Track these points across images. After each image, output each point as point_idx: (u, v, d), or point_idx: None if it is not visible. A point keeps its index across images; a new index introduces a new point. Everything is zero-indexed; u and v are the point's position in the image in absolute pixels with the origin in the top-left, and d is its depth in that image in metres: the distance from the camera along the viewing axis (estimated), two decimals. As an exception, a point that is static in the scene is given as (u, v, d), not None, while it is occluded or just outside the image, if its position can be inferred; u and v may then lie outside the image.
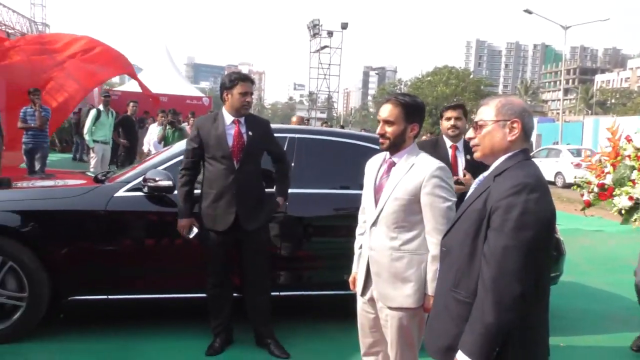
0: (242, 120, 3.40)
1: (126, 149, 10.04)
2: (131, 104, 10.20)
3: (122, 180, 3.66)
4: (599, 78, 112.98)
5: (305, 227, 3.86)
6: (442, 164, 2.34)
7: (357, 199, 3.78)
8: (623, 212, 3.57)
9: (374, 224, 2.40)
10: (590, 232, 8.38)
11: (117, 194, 3.54)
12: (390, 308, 2.35)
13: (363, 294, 2.49)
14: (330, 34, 39.77)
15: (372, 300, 2.46)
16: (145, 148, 10.08)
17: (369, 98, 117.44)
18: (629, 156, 3.58)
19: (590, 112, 58.16)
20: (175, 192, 3.44)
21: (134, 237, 3.59)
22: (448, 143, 3.60)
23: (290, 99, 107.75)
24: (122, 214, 3.54)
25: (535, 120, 2.53)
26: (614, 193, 3.60)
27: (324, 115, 52.46)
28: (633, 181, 3.52)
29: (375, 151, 3.92)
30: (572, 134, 30.73)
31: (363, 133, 5.12)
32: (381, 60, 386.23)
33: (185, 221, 3.35)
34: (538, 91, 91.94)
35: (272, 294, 3.59)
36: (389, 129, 2.36)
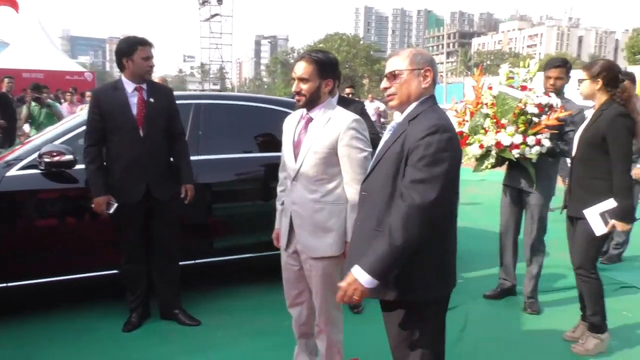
0: (144, 87, 3.27)
1: (3, 130, 9.13)
2: (6, 80, 9.22)
3: (13, 158, 3.37)
4: (475, 41, 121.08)
5: (216, 193, 3.83)
6: (357, 117, 2.43)
7: (265, 162, 3.97)
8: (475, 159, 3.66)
9: (295, 178, 2.47)
10: (475, 181, 9.07)
11: (8, 174, 3.26)
12: (314, 258, 2.45)
13: (287, 247, 2.57)
14: (220, 1, 38.40)
15: (295, 253, 2.55)
16: (26, 128, 9.23)
17: (262, 68, 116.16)
18: (485, 104, 3.60)
19: (469, 73, 62.31)
20: (77, 166, 3.25)
21: (33, 218, 3.33)
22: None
23: (180, 71, 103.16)
24: (17, 194, 3.27)
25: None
26: (468, 141, 3.65)
27: (217, 87, 51.11)
28: (485, 129, 3.57)
29: (284, 114, 4.05)
30: (454, 94, 32.93)
31: (269, 96, 5.14)
32: (273, 29, 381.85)
33: (103, 198, 3.18)
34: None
35: (184, 263, 3.57)
36: (304, 86, 2.40)
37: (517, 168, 3.60)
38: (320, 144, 2.39)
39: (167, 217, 3.35)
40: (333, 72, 2.47)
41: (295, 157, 2.46)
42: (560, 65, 3.74)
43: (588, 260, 3.02)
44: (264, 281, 4.10)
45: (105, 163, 3.23)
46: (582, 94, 3.08)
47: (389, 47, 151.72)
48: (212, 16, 39.03)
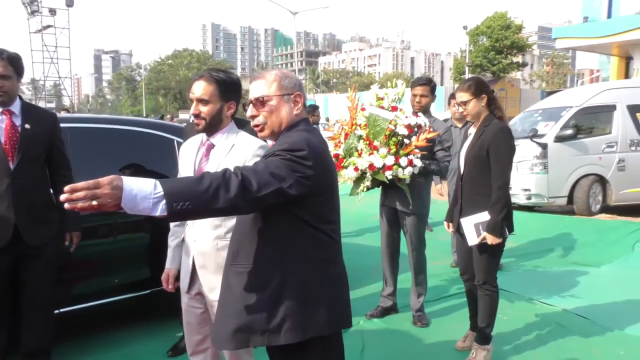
0: (15, 110, 2.78)
1: None
2: None
3: None
4: (321, 60, 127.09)
5: (94, 229, 3.37)
6: (263, 143, 2.27)
7: None
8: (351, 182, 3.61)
9: None
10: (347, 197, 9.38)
11: None
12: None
13: (189, 290, 2.34)
14: (53, 12, 34.94)
15: (199, 295, 2.33)
16: None
17: (104, 84, 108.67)
18: (359, 125, 3.56)
19: (318, 90, 65.12)
20: None
21: None
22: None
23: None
24: None
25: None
26: (343, 164, 3.57)
27: (53, 105, 46.48)
28: (359, 152, 3.52)
29: (163, 138, 3.75)
30: (307, 111, 34.11)
31: (149, 119, 4.77)
32: (114, 43, 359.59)
33: None
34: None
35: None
36: (203, 109, 2.19)
37: (392, 188, 3.66)
38: None
39: (41, 262, 2.84)
40: (236, 92, 2.28)
41: None
42: (425, 83, 3.91)
43: (490, 274, 3.13)
44: (140, 325, 3.76)
45: None
46: (470, 114, 3.12)
47: (239, 64, 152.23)
48: (45, 28, 35.36)
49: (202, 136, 2.32)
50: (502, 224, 2.98)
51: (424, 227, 3.93)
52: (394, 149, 3.48)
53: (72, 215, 2.83)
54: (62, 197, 1.33)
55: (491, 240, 2.99)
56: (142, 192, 1.40)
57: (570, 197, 7.71)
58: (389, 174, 3.45)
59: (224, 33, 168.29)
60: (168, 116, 19.53)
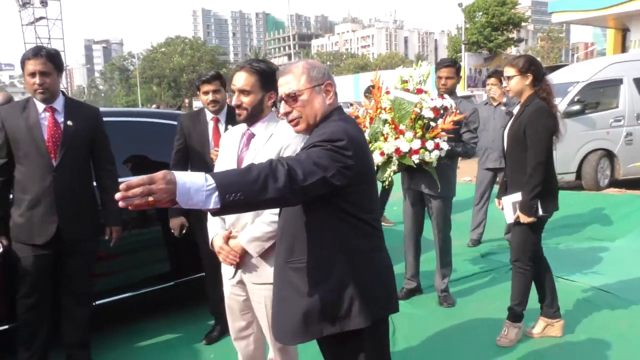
0: (58, 107, 2.79)
1: None
2: None
3: None
4: (314, 43, 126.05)
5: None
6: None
7: None
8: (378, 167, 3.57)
9: None
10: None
11: None
12: (260, 284, 2.28)
13: (232, 276, 2.38)
14: (44, 3, 34.48)
15: (241, 282, 2.36)
16: None
17: (97, 75, 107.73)
18: (384, 109, 3.50)
19: (313, 74, 64.67)
20: None
21: None
22: (209, 115, 3.38)
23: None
24: None
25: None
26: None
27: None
28: (385, 136, 3.48)
29: (172, 127, 3.76)
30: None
31: (158, 110, 4.78)
32: (104, 32, 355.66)
33: None
34: (266, 57, 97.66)
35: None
36: (245, 99, 2.23)
37: (417, 171, 3.62)
38: (262, 161, 2.24)
39: (81, 258, 2.88)
40: (276, 82, 2.31)
41: None
42: (450, 65, 3.86)
43: (523, 253, 3.17)
44: (171, 316, 3.83)
45: (12, 194, 2.76)
46: (513, 90, 3.15)
47: (231, 49, 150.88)
48: (37, 19, 34.92)
49: (243, 126, 2.36)
50: (532, 204, 3.02)
51: (450, 209, 3.95)
52: (420, 133, 3.44)
53: (114, 209, 2.91)
54: (118, 195, 1.30)
55: (523, 219, 3.06)
56: (195, 185, 1.38)
57: (579, 173, 7.75)
58: (415, 158, 3.43)
59: (215, 18, 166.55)
60: (154, 105, 19.41)
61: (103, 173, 2.96)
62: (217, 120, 3.37)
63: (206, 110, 3.39)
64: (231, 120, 3.33)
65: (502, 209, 3.33)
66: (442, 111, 3.50)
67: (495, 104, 5.35)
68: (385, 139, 3.49)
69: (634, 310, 3.65)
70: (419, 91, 3.54)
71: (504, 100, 5.28)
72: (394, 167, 3.51)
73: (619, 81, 7.85)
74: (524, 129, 3.04)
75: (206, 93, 3.30)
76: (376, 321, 1.80)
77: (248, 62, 2.26)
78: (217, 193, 1.41)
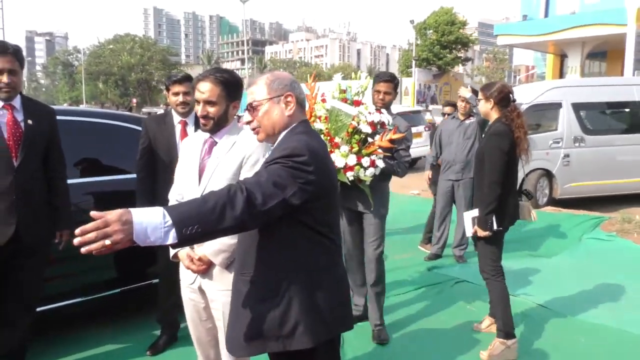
0: (17, 105, 2.67)
1: None
2: None
3: None
4: (268, 49, 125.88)
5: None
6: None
7: (121, 184, 3.58)
8: None
9: None
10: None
11: None
12: (220, 290, 2.26)
13: (192, 282, 2.35)
14: (-17, -10, 32.78)
15: (201, 289, 2.35)
16: None
17: (37, 68, 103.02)
18: (319, 117, 3.30)
19: (266, 80, 64.50)
20: None
21: None
22: (177, 119, 3.32)
23: None
24: None
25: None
26: None
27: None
28: None
29: (133, 130, 3.67)
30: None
31: (112, 112, 4.65)
32: (48, 24, 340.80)
33: None
34: (219, 61, 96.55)
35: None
36: (211, 110, 2.23)
37: (352, 189, 3.39)
38: (224, 169, 2.26)
39: (34, 262, 2.77)
40: (239, 92, 2.34)
41: (199, 182, 2.29)
42: (389, 80, 3.70)
43: (485, 263, 3.39)
44: (116, 324, 3.71)
45: None
46: (481, 112, 3.49)
47: (183, 51, 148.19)
48: (-25, 7, 33.16)
49: (203, 134, 2.35)
50: (486, 219, 3.23)
51: (384, 227, 3.66)
52: (356, 148, 3.23)
53: (64, 212, 2.86)
54: (76, 241, 1.29)
55: (479, 232, 3.29)
56: (152, 223, 1.37)
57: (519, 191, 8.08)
58: (350, 175, 3.21)
59: (167, 18, 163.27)
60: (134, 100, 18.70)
61: (54, 174, 2.87)
62: (184, 124, 3.30)
63: (173, 112, 3.32)
64: (198, 125, 3.27)
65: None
66: (378, 126, 3.34)
67: (462, 118, 5.53)
68: None
69: (569, 325, 3.85)
70: (357, 103, 3.36)
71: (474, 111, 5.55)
72: None
73: (559, 105, 8.29)
74: (482, 152, 3.32)
75: (176, 94, 3.23)
76: (328, 340, 1.80)
77: (211, 72, 2.25)
78: (174, 229, 1.40)
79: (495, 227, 3.24)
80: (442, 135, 5.68)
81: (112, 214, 1.33)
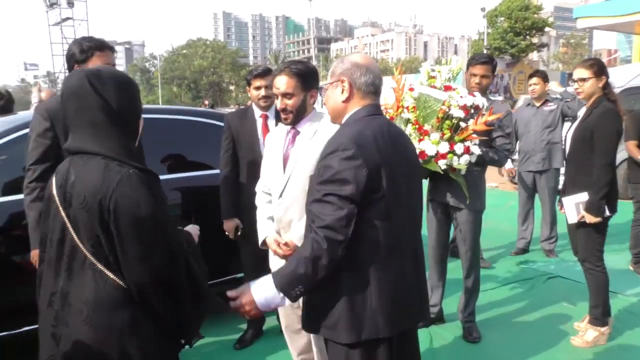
0: None
1: None
2: None
3: None
4: (334, 46, 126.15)
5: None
6: None
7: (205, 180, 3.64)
8: None
9: (281, 195, 2.33)
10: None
11: None
12: None
13: None
14: (71, 4, 35.07)
15: None
16: None
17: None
18: (407, 108, 3.10)
19: (332, 77, 64.77)
20: None
21: None
22: (257, 113, 3.30)
23: (23, 80, 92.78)
24: None
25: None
26: None
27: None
28: None
29: (216, 126, 3.73)
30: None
31: (200, 109, 4.80)
32: (126, 34, 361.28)
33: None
34: (286, 60, 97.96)
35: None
36: (289, 102, 2.28)
37: (443, 180, 3.17)
38: (308, 156, 2.27)
39: None
40: (316, 81, 2.36)
41: (284, 171, 2.34)
42: (486, 62, 3.42)
43: (590, 253, 3.16)
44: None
45: None
46: (586, 93, 3.11)
47: (251, 52, 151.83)
48: (64, 20, 35.52)
49: (285, 127, 2.41)
50: (600, 204, 3.01)
51: (480, 225, 3.42)
52: (447, 134, 2.98)
53: None
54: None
55: (589, 219, 3.03)
56: (269, 296, 1.68)
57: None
58: (442, 163, 2.96)
59: (236, 22, 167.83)
60: (206, 102, 19.46)
61: None
62: (265, 117, 3.30)
63: (254, 107, 3.34)
64: (279, 118, 3.28)
65: (562, 210, 3.27)
66: (472, 110, 3.06)
67: (538, 104, 5.21)
68: None
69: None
70: (447, 88, 3.11)
71: (557, 95, 5.23)
72: None
73: (656, 88, 7.62)
74: (591, 131, 3.04)
75: (258, 88, 3.23)
76: (390, 337, 1.72)
77: (286, 66, 2.30)
78: (284, 295, 1.66)
79: (607, 212, 3.02)
80: (517, 124, 5.26)
81: (244, 300, 1.69)
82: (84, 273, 1.48)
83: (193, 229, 1.84)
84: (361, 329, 1.68)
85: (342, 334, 1.69)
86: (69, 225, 1.50)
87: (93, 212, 1.45)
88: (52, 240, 1.55)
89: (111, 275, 1.48)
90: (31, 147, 2.48)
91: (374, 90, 1.81)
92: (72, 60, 2.53)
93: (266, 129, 3.27)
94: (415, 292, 1.82)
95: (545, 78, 5.16)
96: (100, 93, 1.53)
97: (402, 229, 1.76)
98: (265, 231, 2.42)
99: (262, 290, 1.67)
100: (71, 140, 1.56)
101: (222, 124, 3.70)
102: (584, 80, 3.08)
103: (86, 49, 2.50)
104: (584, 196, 3.06)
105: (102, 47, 2.53)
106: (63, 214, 1.51)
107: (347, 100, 1.79)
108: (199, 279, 1.61)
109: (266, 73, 3.24)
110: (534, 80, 5.17)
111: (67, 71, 2.58)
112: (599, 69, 3.08)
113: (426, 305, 1.95)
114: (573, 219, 3.14)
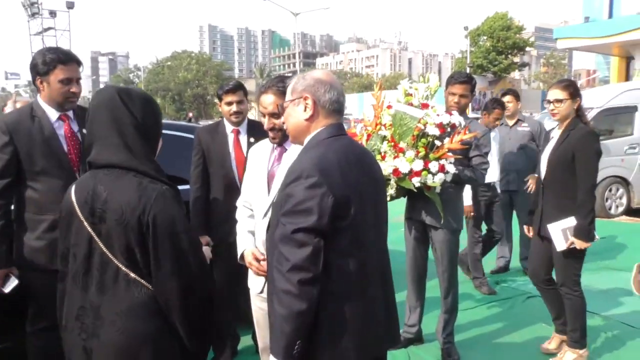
0: (70, 114, 2.57)
1: None
2: None
3: None
4: (319, 61, 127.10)
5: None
6: None
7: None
8: None
9: (266, 214, 2.22)
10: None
11: None
12: None
13: (262, 290, 2.30)
14: (53, 14, 34.75)
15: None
16: None
17: (102, 86, 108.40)
18: (384, 125, 3.08)
19: (317, 92, 64.97)
20: None
21: None
22: (229, 128, 3.24)
23: (3, 90, 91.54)
24: None
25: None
26: None
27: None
28: (383, 155, 3.02)
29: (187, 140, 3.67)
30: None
31: (171, 122, 4.72)
32: (110, 45, 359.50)
33: (0, 272, 2.41)
34: (271, 74, 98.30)
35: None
36: (277, 121, 2.19)
37: (420, 198, 3.13)
38: None
39: None
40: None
41: (269, 190, 2.24)
42: (465, 81, 3.39)
43: (569, 278, 3.11)
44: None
45: (20, 216, 2.46)
46: (561, 114, 3.06)
47: (236, 65, 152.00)
48: (46, 30, 35.15)
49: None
50: (590, 228, 2.97)
51: (457, 244, 3.36)
52: (422, 152, 2.96)
53: None
54: None
55: (580, 245, 2.97)
56: None
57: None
58: (416, 181, 2.93)
59: (221, 35, 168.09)
60: (190, 114, 19.28)
61: None
62: (237, 132, 3.25)
63: (225, 122, 3.27)
64: (253, 132, 3.22)
65: (535, 235, 3.23)
66: (449, 129, 3.04)
67: (511, 123, 5.23)
68: (383, 158, 3.03)
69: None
70: (424, 106, 3.09)
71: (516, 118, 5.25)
72: (391, 191, 3.00)
73: (634, 108, 7.77)
74: (572, 154, 2.99)
75: (229, 104, 3.18)
76: None
77: (273, 84, 2.21)
78: (289, 358, 1.56)
79: (597, 237, 3.00)
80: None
81: None
82: (118, 285, 1.55)
83: (206, 251, 1.87)
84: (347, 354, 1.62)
85: None
86: (97, 239, 1.55)
87: (131, 227, 1.51)
88: (77, 255, 1.59)
89: (145, 283, 1.55)
90: None
91: (338, 108, 1.73)
92: (34, 71, 2.43)
93: (238, 144, 3.23)
94: (385, 318, 1.75)
95: (517, 97, 5.21)
96: (130, 108, 1.61)
97: (371, 254, 1.70)
98: (244, 244, 2.35)
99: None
100: (97, 153, 1.61)
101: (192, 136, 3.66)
102: (560, 101, 3.06)
103: (48, 61, 2.41)
104: (570, 221, 2.99)
105: (67, 60, 2.45)
106: (90, 229, 1.56)
107: (310, 119, 1.70)
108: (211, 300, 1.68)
109: (237, 88, 3.19)
110: (507, 98, 5.20)
111: (31, 83, 2.50)
112: (575, 90, 3.07)
113: (396, 329, 1.88)
114: (561, 245, 3.02)
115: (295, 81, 1.74)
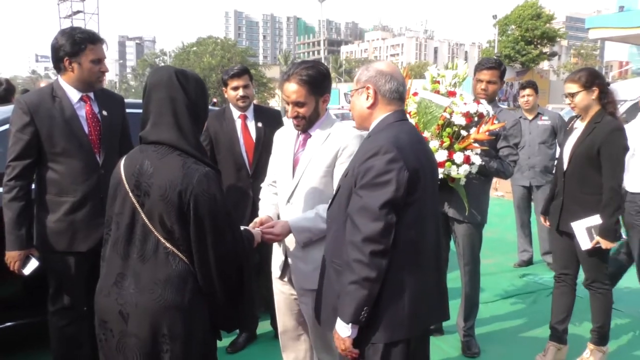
0: (91, 95, 2.53)
1: None
2: None
3: None
4: (344, 49, 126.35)
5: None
6: (357, 132, 2.22)
7: None
8: None
9: (289, 199, 2.26)
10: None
11: None
12: (308, 290, 2.20)
13: (281, 276, 2.36)
14: (82, -3, 35.33)
15: (292, 281, 2.34)
16: None
17: (128, 70, 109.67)
18: (409, 113, 3.00)
19: (341, 79, 64.63)
20: None
21: None
22: (236, 113, 3.22)
23: (33, 72, 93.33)
24: None
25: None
26: None
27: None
28: None
29: None
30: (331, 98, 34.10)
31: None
32: (138, 29, 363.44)
33: (20, 253, 2.38)
34: (296, 61, 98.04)
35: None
36: (301, 110, 2.19)
37: (443, 190, 2.96)
38: (318, 161, 2.21)
39: None
40: (328, 84, 2.27)
41: (293, 176, 2.26)
42: (493, 67, 3.24)
43: (600, 272, 3.00)
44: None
45: (42, 197, 2.44)
46: (579, 107, 2.91)
47: (260, 52, 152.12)
48: (75, 13, 35.67)
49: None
50: (616, 228, 2.85)
51: (480, 239, 3.30)
52: (447, 142, 2.87)
53: None
54: None
55: (605, 245, 2.84)
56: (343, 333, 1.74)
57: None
58: (440, 172, 2.84)
59: (247, 21, 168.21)
60: (215, 100, 19.27)
61: None
62: (244, 117, 3.24)
63: (232, 107, 3.25)
64: (260, 117, 3.22)
65: (552, 228, 3.14)
66: (476, 118, 2.92)
67: (530, 117, 5.11)
68: None
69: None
70: (451, 94, 2.98)
71: (538, 111, 5.12)
72: None
73: (668, 101, 7.50)
74: (597, 148, 2.83)
75: (235, 89, 3.17)
76: (412, 337, 1.78)
77: (296, 71, 2.15)
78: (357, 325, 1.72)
79: (624, 236, 2.89)
80: None
81: None
82: (157, 255, 1.63)
83: (256, 234, 2.00)
84: (393, 329, 1.73)
85: (377, 334, 1.73)
86: (140, 211, 1.64)
87: (172, 204, 1.60)
88: (120, 224, 1.68)
89: (182, 256, 1.64)
90: (11, 142, 2.38)
91: (399, 96, 1.88)
92: (61, 52, 2.39)
93: (246, 129, 3.22)
94: (437, 291, 1.88)
95: (536, 90, 5.09)
96: (185, 88, 1.69)
97: (430, 229, 1.83)
98: (262, 213, 2.39)
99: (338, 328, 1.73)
100: (150, 130, 1.69)
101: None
102: (573, 95, 2.89)
103: (79, 41, 2.38)
104: (594, 219, 2.86)
105: (95, 39, 2.44)
106: (134, 200, 1.65)
107: (372, 107, 1.85)
108: (249, 279, 1.76)
109: (242, 73, 3.18)
110: (527, 91, 5.06)
111: (54, 64, 2.47)
112: (588, 79, 2.86)
113: (446, 304, 1.97)
114: (586, 245, 2.89)
115: (360, 72, 1.89)
